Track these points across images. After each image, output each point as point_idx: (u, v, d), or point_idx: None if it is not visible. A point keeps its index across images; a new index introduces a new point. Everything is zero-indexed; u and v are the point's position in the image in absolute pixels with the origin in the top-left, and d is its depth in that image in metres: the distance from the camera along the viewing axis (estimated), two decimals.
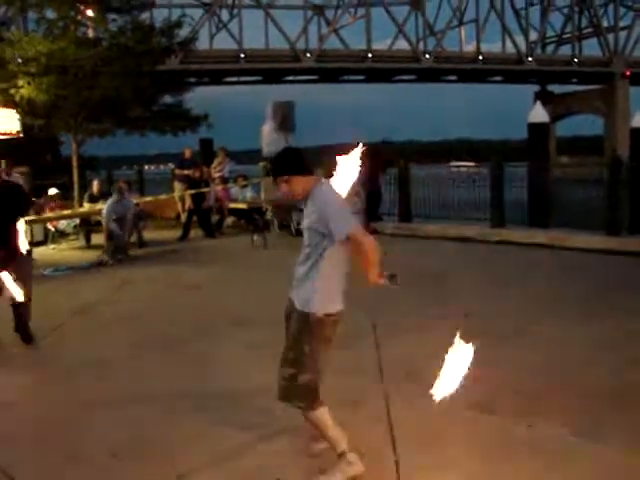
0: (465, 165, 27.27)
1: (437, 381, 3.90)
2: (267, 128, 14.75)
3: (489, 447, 4.28)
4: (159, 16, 18.38)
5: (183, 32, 17.18)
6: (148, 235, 13.79)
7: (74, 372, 6.05)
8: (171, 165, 22.14)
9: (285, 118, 14.71)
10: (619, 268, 9.82)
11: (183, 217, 16.62)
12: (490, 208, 13.25)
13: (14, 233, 6.66)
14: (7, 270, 6.54)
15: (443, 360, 3.78)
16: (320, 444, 4.15)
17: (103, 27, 16.03)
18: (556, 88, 70.07)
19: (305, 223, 3.87)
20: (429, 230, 13.25)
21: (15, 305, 6.75)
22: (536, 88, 70.42)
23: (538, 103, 19.96)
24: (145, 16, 17.60)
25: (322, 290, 3.80)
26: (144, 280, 10.17)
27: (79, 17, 16.16)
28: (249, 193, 15.82)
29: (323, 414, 3.90)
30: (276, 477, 3.94)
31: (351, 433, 4.04)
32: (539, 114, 19.49)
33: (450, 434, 4.48)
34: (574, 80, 68.73)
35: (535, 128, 19.98)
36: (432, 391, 3.92)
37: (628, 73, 63.20)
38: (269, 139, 14.66)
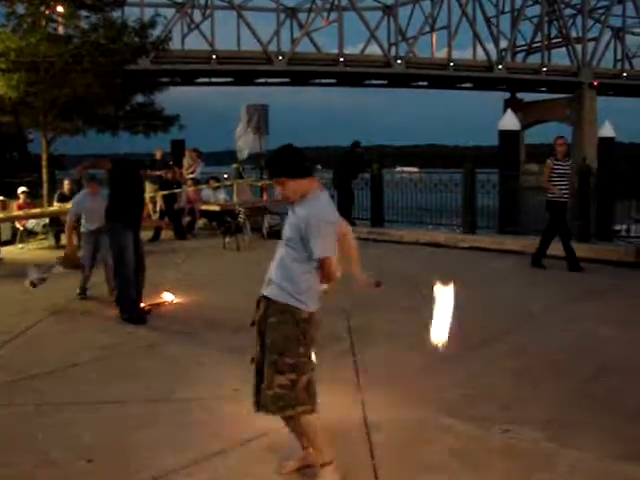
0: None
1: (432, 328, 4.13)
2: (241, 131, 14.68)
3: (466, 453, 4.27)
4: (132, 15, 18.13)
5: (157, 32, 17.04)
6: None
7: (43, 373, 5.93)
8: None
9: (259, 121, 14.66)
10: (590, 275, 9.92)
11: (153, 218, 16.47)
12: (462, 214, 13.33)
13: None
14: None
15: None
16: (293, 462, 4.04)
17: (74, 24, 15.80)
18: (525, 96, 71.00)
19: (292, 221, 3.69)
20: (401, 235, 13.30)
21: None
22: (506, 96, 71.26)
23: (509, 111, 20.11)
24: (117, 15, 17.34)
25: (312, 288, 3.74)
26: None
27: (49, 12, 15.92)
28: (222, 195, 15.73)
29: (317, 419, 3.80)
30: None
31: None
32: (510, 122, 19.68)
33: (425, 441, 4.47)
34: (543, 89, 69.76)
35: (506, 135, 20.21)
36: (432, 337, 4.15)
37: (595, 83, 64.26)
38: (243, 142, 14.61)
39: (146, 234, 14.47)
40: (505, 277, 9.96)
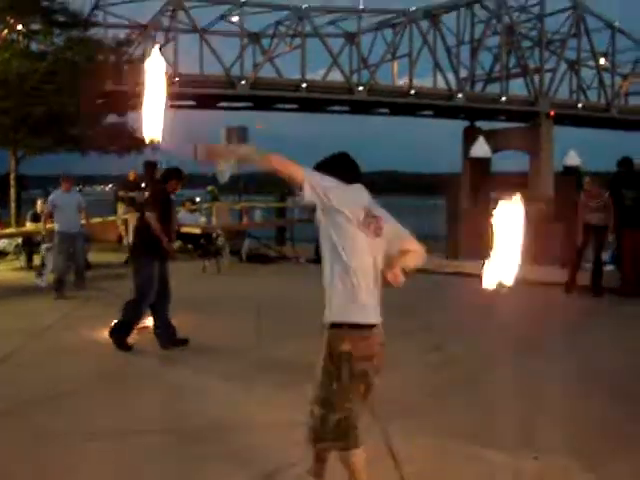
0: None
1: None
2: None
3: None
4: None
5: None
6: (90, 258, 13.25)
7: (33, 404, 5.62)
8: (103, 188, 21.41)
9: (239, 143, 14.47)
10: (578, 300, 9.98)
11: (125, 240, 16.15)
12: (446, 240, 13.34)
13: None
14: None
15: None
16: None
17: (49, 40, 15.51)
18: (484, 125, 72.03)
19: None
20: None
21: None
22: (465, 124, 72.25)
23: (480, 138, 20.33)
24: (92, 33, 17.09)
25: None
26: (101, 303, 9.73)
27: (21, 28, 15.60)
28: (201, 218, 15.49)
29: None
30: None
31: None
32: (481, 149, 19.91)
33: (457, 471, 4.33)
34: (501, 117, 70.89)
35: (477, 162, 20.42)
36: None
37: (552, 113, 65.57)
38: (224, 165, 14.36)
39: (118, 257, 14.19)
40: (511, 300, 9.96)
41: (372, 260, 3.40)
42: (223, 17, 59.28)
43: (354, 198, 3.43)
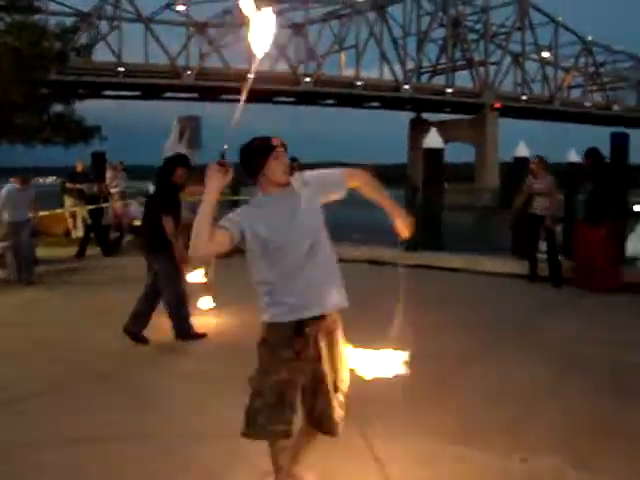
0: None
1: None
2: (172, 144, 14.00)
3: None
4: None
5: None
6: (37, 252, 12.71)
7: None
8: (52, 179, 20.78)
9: (192, 134, 14.07)
10: (539, 291, 9.93)
11: (74, 234, 15.65)
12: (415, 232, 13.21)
13: None
14: None
15: None
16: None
17: None
18: (431, 116, 72.65)
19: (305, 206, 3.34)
20: (342, 253, 13.00)
21: None
22: (412, 115, 72.80)
23: (433, 130, 20.25)
24: (36, 18, 16.41)
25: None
26: (55, 301, 9.30)
27: None
28: None
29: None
30: None
31: None
32: (434, 140, 19.83)
33: (446, 474, 4.15)
34: (447, 109, 71.63)
35: (430, 153, 20.37)
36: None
37: (497, 105, 66.50)
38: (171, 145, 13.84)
39: (67, 251, 13.69)
40: (478, 293, 9.88)
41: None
42: (168, 6, 58.42)
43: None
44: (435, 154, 20.29)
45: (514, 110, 70.59)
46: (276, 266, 3.23)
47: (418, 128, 70.56)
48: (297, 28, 65.01)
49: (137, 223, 14.30)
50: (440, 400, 5.40)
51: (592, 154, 10.07)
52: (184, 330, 7.09)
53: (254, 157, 3.27)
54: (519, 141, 25.13)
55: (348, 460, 4.25)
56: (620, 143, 10.77)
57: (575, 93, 76.70)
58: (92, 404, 5.31)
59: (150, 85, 56.55)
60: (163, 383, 5.85)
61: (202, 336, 7.14)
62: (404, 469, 4.16)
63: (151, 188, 17.14)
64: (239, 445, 3.68)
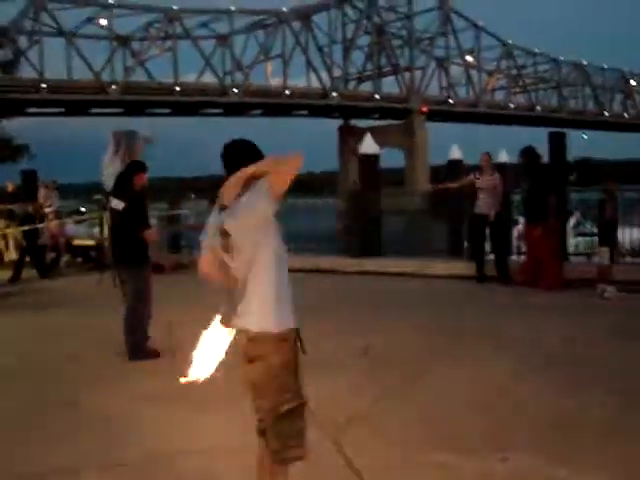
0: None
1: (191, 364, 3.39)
2: (108, 160, 13.64)
3: None
4: None
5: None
6: None
7: None
8: None
9: (128, 148, 13.73)
10: (490, 292, 10.01)
11: (6, 256, 15.09)
12: (349, 239, 13.21)
13: None
14: None
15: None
16: None
17: None
18: (359, 123, 73.22)
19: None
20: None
21: None
22: (339, 122, 73.24)
23: (368, 135, 20.39)
24: None
25: None
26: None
27: None
28: (84, 229, 14.65)
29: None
30: None
31: None
32: (370, 146, 19.98)
33: None
34: (375, 115, 72.33)
35: (367, 159, 20.49)
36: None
37: (424, 110, 67.51)
38: (112, 172, 13.50)
39: (2, 274, 13.17)
40: (414, 298, 9.88)
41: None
42: (90, 20, 57.26)
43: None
44: (371, 160, 20.39)
45: (441, 114, 71.81)
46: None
47: (346, 135, 71.14)
48: (222, 39, 64.66)
49: (78, 242, 13.93)
50: (406, 407, 5.34)
51: (527, 153, 10.19)
52: (137, 349, 6.89)
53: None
54: (451, 144, 25.25)
55: (328, 475, 4.15)
56: (558, 142, 10.98)
57: (499, 95, 78.53)
58: (54, 434, 5.06)
59: (75, 101, 55.30)
60: (124, 406, 5.63)
61: (155, 355, 6.94)
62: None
63: (83, 208, 16.79)
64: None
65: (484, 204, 10.35)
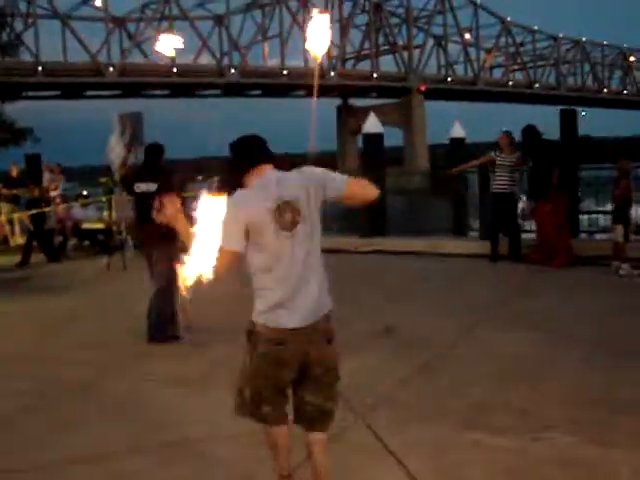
0: None
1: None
2: (114, 143, 13.55)
3: (514, 470, 3.93)
4: None
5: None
6: None
7: None
8: None
9: (134, 130, 13.67)
10: (505, 271, 9.99)
11: (12, 241, 15.07)
12: (361, 218, 13.16)
13: None
14: None
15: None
16: None
17: None
18: (357, 102, 72.85)
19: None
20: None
21: None
22: (338, 102, 72.82)
23: (372, 114, 20.26)
24: None
25: None
26: (10, 312, 8.83)
27: None
28: (91, 212, 14.60)
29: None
30: None
31: None
32: (373, 125, 19.87)
33: (464, 460, 4.08)
34: (373, 94, 71.91)
35: (370, 139, 20.39)
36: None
37: (423, 88, 67.13)
38: (117, 155, 13.44)
39: (8, 259, 13.13)
40: (446, 276, 9.88)
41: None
42: (86, 2, 56.71)
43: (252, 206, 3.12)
44: (375, 139, 20.32)
45: (439, 92, 71.34)
46: None
47: (345, 114, 70.77)
48: (219, 19, 64.12)
49: (87, 226, 13.89)
50: (436, 386, 5.34)
51: (529, 131, 10.17)
52: (159, 333, 6.88)
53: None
54: (453, 122, 25.18)
55: (363, 457, 4.15)
56: (569, 119, 10.92)
57: (497, 73, 78.16)
58: (73, 421, 5.04)
59: (72, 84, 54.86)
60: (142, 390, 5.61)
61: (175, 339, 6.94)
62: (420, 460, 4.08)
63: (85, 191, 16.68)
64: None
65: (505, 182, 10.33)
